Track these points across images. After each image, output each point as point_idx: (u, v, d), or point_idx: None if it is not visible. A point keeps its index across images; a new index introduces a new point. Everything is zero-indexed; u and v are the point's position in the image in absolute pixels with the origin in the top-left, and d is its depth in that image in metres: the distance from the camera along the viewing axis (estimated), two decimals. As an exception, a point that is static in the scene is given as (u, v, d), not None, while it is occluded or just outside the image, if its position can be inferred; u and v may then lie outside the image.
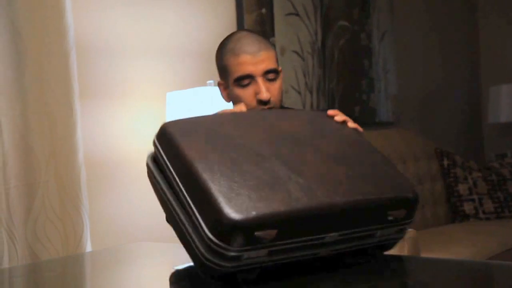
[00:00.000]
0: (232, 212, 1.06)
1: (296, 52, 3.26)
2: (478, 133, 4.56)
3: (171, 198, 1.17)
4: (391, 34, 3.89)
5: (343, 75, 3.55)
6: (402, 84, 3.96)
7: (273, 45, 1.67)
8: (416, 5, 4.12)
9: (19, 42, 2.04)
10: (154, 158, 1.25)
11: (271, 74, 1.57)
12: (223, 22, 2.91)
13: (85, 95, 2.34)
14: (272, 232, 1.08)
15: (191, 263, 1.18)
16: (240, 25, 2.96)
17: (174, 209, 1.17)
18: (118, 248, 2.11)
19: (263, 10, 3.07)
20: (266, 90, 1.54)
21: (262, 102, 1.54)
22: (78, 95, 2.16)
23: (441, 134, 4.16)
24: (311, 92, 3.34)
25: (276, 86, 1.57)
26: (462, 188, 3.66)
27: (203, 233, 1.09)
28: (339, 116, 1.40)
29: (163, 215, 1.28)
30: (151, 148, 1.28)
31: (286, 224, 1.10)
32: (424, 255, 2.59)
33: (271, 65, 1.56)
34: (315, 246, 1.15)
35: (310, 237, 1.13)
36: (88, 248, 2.15)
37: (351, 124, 1.40)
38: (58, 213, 2.09)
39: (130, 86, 2.54)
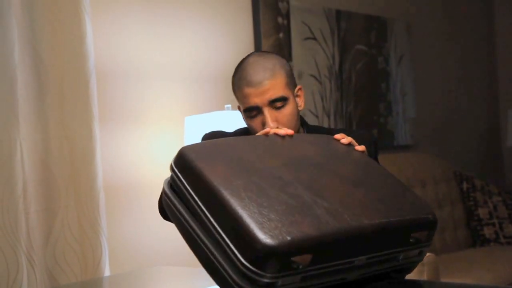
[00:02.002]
0: (266, 238, 1.05)
1: (313, 76, 3.28)
2: (498, 156, 4.52)
3: (194, 225, 1.16)
4: (409, 57, 3.90)
5: (360, 98, 3.56)
6: (420, 107, 3.95)
7: (286, 66, 1.61)
8: (434, 28, 4.12)
9: (40, 67, 2.07)
10: (171, 184, 1.24)
11: (278, 103, 1.53)
12: (241, 46, 2.94)
13: (104, 120, 2.36)
14: (308, 257, 1.07)
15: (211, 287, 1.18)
16: (258, 50, 2.98)
17: (199, 236, 1.15)
18: (136, 272, 2.11)
19: (281, 35, 3.10)
20: (272, 120, 1.52)
21: None
22: (98, 119, 2.18)
23: (460, 157, 4.12)
24: (328, 116, 3.35)
25: (285, 112, 1.54)
26: (482, 212, 3.62)
27: (236, 260, 1.08)
28: (345, 139, 1.42)
29: (181, 239, 1.27)
30: (168, 173, 1.27)
31: (319, 248, 1.09)
32: (444, 279, 2.55)
33: (276, 93, 1.53)
34: (345, 271, 1.15)
35: (341, 261, 1.12)
36: (107, 272, 2.15)
37: (358, 147, 1.42)
38: (77, 237, 2.09)
39: (149, 110, 2.56)
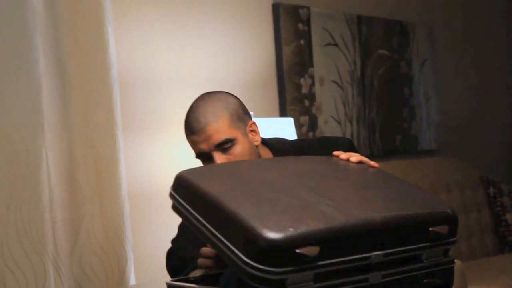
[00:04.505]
0: (267, 232, 1.02)
1: (335, 82, 3.26)
2: (524, 160, 4.45)
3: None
4: (431, 61, 3.86)
5: (383, 103, 3.53)
6: (444, 111, 3.92)
7: (232, 105, 1.57)
8: (456, 32, 4.09)
9: (65, 77, 2.09)
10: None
11: (225, 145, 1.52)
12: (262, 53, 2.94)
13: (127, 128, 2.38)
14: (315, 249, 1.02)
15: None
16: (279, 56, 2.99)
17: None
18: (161, 281, 2.11)
19: (301, 41, 3.09)
20: None
21: None
22: (121, 128, 2.19)
23: (486, 162, 4.07)
24: (351, 122, 3.33)
25: (235, 153, 1.52)
26: (510, 218, 3.56)
27: (242, 264, 1.05)
28: (344, 155, 1.41)
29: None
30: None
31: (327, 241, 1.05)
32: (471, 287, 2.51)
33: (220, 137, 1.51)
34: (362, 269, 1.10)
35: (355, 257, 1.08)
36: (132, 280, 2.15)
37: (357, 158, 1.41)
38: (102, 246, 2.10)
39: (171, 118, 2.57)
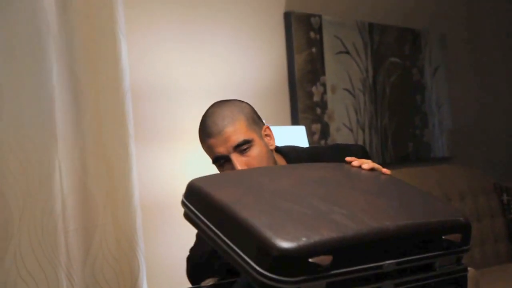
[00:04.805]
0: (280, 241, 1.03)
1: (347, 89, 3.26)
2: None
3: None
4: (444, 68, 3.85)
5: (395, 111, 3.52)
6: (457, 118, 3.90)
7: (246, 109, 1.61)
8: (468, 39, 4.07)
9: (77, 87, 2.11)
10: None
11: (243, 146, 1.52)
12: (274, 62, 2.94)
13: (140, 138, 2.39)
14: (327, 258, 1.04)
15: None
16: (291, 65, 2.99)
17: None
18: (173, 290, 2.11)
19: (313, 50, 3.10)
20: (241, 165, 1.51)
21: None
22: (133, 138, 2.20)
23: (499, 169, 4.05)
24: (363, 129, 3.32)
25: (253, 155, 1.52)
26: (524, 225, 3.53)
27: (255, 273, 1.06)
28: (356, 161, 1.42)
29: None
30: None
31: (340, 250, 1.06)
32: (486, 295, 2.49)
33: (238, 138, 1.52)
34: (375, 278, 1.11)
35: (367, 266, 1.09)
36: (145, 289, 2.16)
37: (369, 165, 1.41)
38: (115, 255, 2.11)
39: (183, 128, 2.58)
